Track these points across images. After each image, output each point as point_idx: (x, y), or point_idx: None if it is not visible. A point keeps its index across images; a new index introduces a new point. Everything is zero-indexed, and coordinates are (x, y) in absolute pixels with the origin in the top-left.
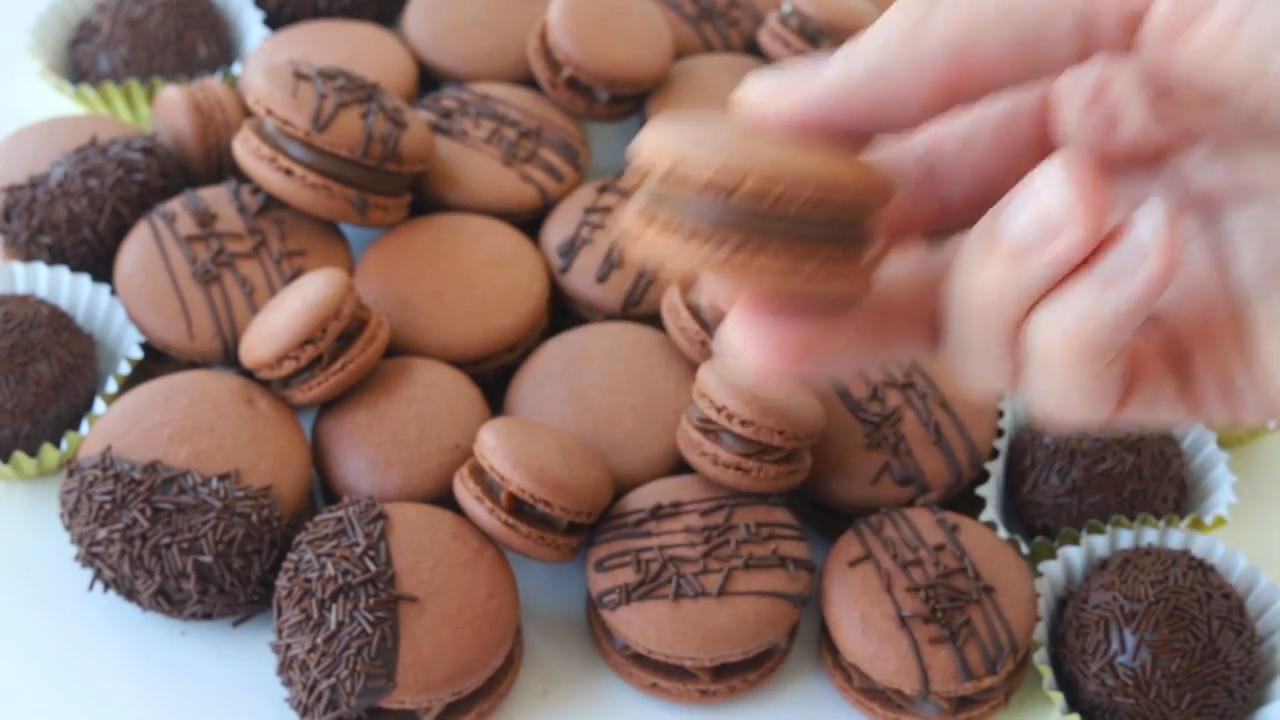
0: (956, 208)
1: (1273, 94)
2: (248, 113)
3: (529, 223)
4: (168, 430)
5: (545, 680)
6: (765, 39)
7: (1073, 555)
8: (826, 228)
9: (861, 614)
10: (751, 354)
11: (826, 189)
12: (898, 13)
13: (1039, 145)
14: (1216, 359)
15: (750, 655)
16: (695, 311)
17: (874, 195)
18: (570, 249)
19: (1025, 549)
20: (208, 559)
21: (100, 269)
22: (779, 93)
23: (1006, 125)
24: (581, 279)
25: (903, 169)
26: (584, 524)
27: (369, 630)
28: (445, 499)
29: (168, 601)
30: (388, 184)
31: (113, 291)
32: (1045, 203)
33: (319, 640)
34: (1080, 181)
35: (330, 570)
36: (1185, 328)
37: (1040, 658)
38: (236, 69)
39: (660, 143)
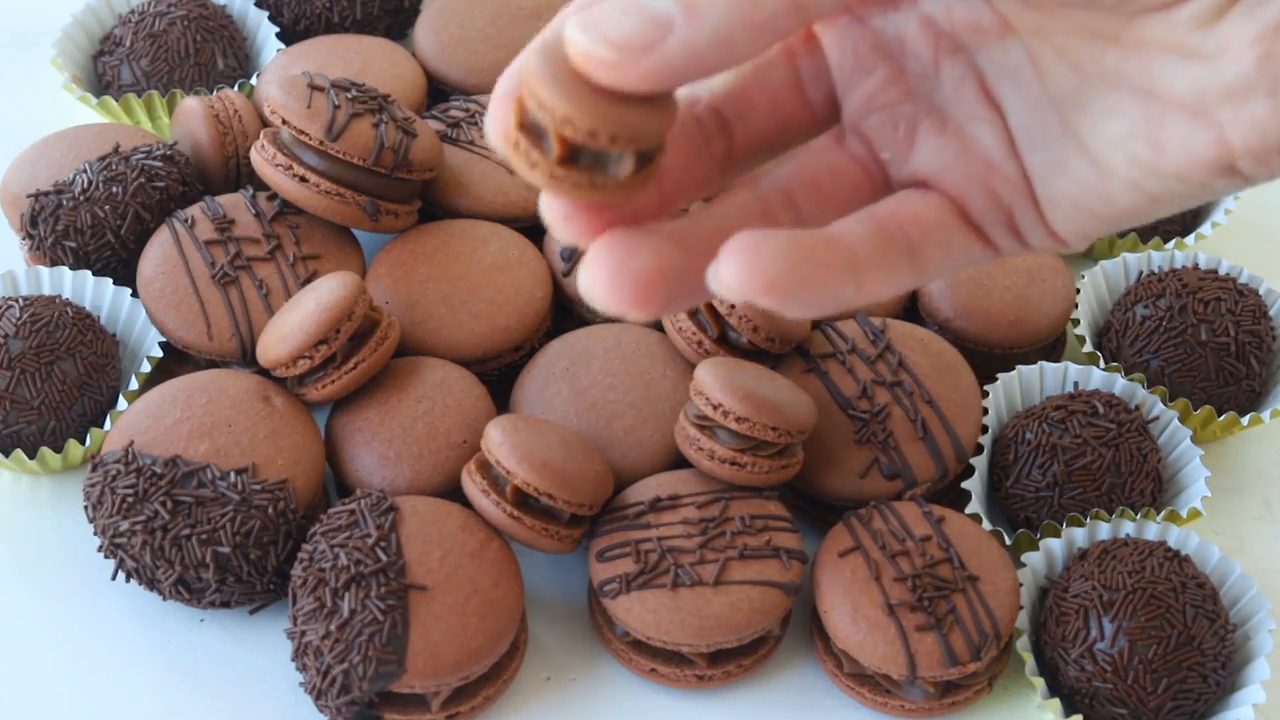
0: (743, 147)
1: None
2: (264, 122)
3: (533, 228)
4: (188, 426)
5: (549, 666)
6: None
7: (1054, 546)
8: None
9: (851, 602)
10: (605, 292)
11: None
12: None
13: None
14: (997, 209)
15: (745, 642)
16: (692, 314)
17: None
18: (573, 253)
19: (1008, 540)
20: (226, 549)
21: (122, 272)
22: (634, 55)
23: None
24: None
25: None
26: (586, 516)
27: (380, 618)
28: (453, 492)
29: (187, 590)
30: (398, 191)
31: (134, 294)
32: None
33: (332, 627)
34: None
35: (343, 560)
36: (961, 188)
37: (1023, 644)
38: (253, 81)
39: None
